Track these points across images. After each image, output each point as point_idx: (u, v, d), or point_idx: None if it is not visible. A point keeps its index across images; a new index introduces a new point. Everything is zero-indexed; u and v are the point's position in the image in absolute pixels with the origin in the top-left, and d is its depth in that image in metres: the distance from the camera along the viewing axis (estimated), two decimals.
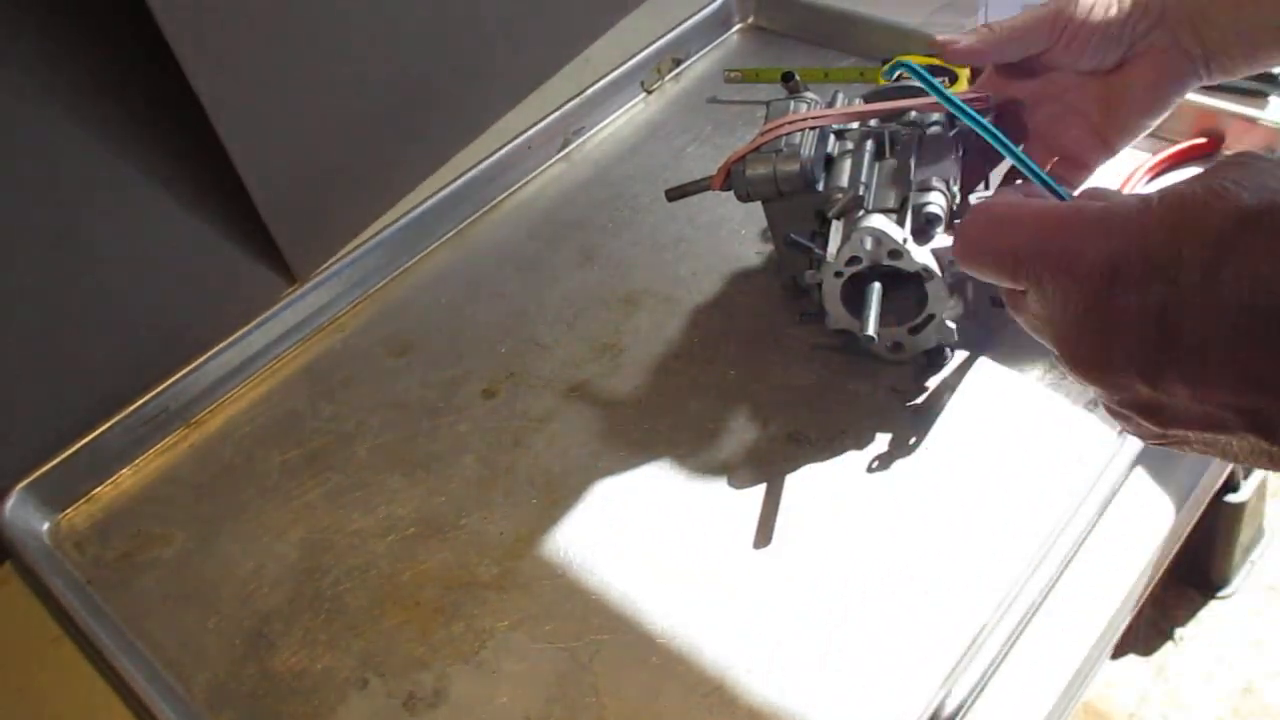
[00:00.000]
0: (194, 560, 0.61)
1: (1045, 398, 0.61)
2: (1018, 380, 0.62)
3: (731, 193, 0.63)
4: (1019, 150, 0.43)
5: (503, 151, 0.81)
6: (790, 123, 0.62)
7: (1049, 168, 0.62)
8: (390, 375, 0.70)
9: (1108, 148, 0.61)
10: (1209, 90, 0.75)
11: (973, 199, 0.61)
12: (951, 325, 0.59)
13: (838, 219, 0.60)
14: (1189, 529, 0.58)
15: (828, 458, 0.60)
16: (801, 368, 0.65)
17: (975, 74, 0.81)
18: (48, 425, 0.65)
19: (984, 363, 0.63)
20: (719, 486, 0.60)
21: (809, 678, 0.51)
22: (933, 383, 0.62)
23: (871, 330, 0.55)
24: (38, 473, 0.64)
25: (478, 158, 0.81)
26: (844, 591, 0.54)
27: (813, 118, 0.63)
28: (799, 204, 0.62)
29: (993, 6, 0.92)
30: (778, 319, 0.67)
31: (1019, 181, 0.50)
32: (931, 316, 0.59)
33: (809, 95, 0.66)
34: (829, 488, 0.59)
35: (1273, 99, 0.73)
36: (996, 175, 0.65)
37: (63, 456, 0.65)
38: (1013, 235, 0.35)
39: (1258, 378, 0.29)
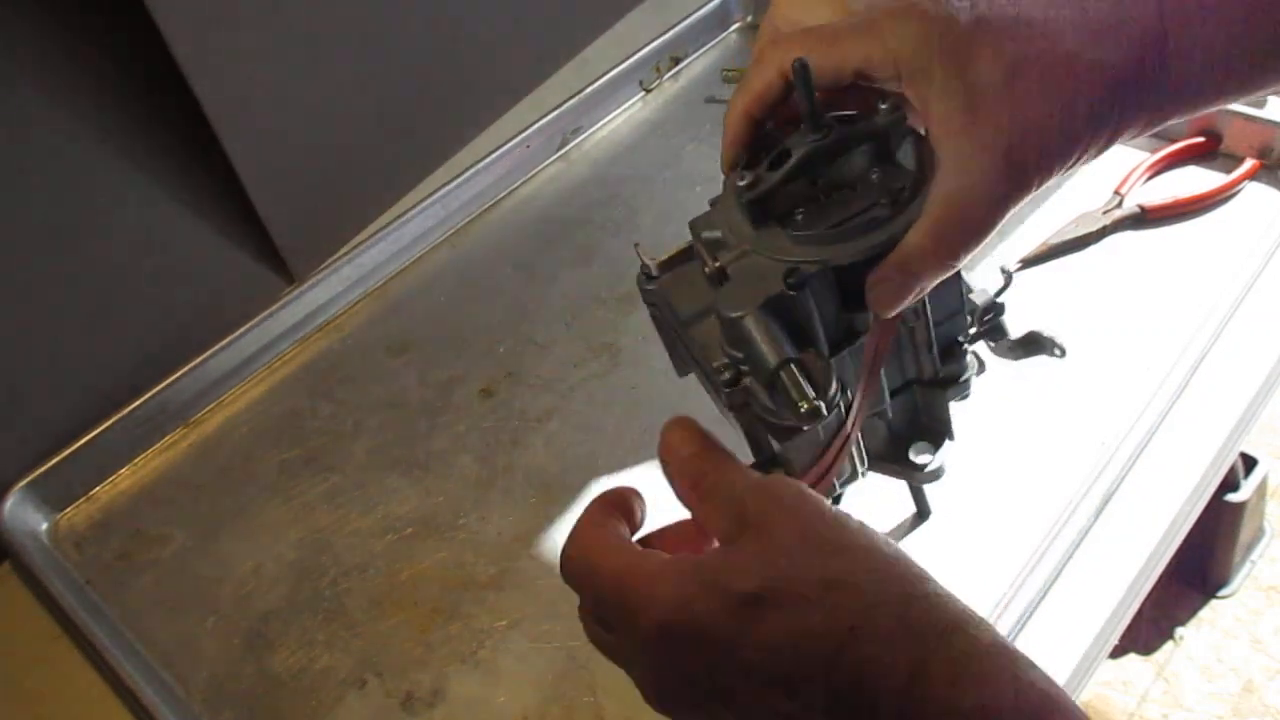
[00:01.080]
0: (192, 560, 0.61)
1: (1044, 396, 0.61)
2: (1017, 380, 0.62)
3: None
4: None
5: (501, 151, 0.81)
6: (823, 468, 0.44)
7: None
8: (388, 375, 0.70)
9: None
10: None
11: None
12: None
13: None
14: (1189, 528, 0.58)
15: None
16: None
17: None
18: (47, 425, 0.65)
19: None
20: None
21: None
22: None
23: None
24: (37, 472, 0.64)
25: (476, 157, 0.81)
26: None
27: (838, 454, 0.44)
28: None
29: None
30: None
31: None
32: None
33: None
34: None
35: (1271, 98, 0.73)
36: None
37: (62, 456, 0.65)
38: (593, 579, 0.37)
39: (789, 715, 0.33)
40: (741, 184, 0.39)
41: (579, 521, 0.39)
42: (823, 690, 0.32)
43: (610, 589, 0.36)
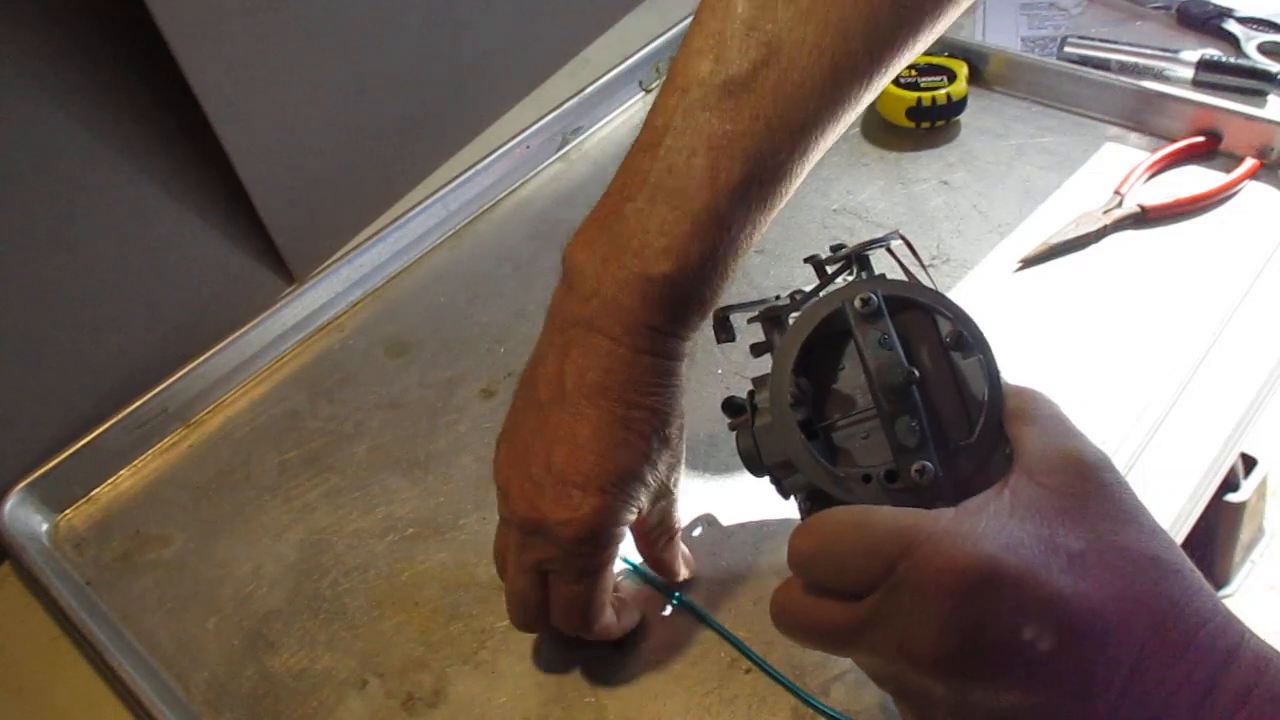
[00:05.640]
0: (193, 561, 0.61)
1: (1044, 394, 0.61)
2: (1016, 381, 0.62)
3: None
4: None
5: (501, 151, 0.81)
6: None
7: None
8: (389, 375, 0.70)
9: None
10: (1207, 88, 0.75)
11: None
12: None
13: None
14: (1189, 528, 0.58)
15: None
16: None
17: (973, 71, 0.81)
18: (47, 425, 0.65)
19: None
20: (718, 485, 0.60)
21: (810, 677, 0.51)
22: None
23: None
24: (37, 473, 0.64)
25: (476, 158, 0.81)
26: None
27: None
28: None
29: (991, 6, 0.92)
30: None
31: None
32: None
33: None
34: None
35: (1271, 97, 0.73)
36: None
37: (62, 457, 0.64)
38: (866, 529, 0.34)
39: None
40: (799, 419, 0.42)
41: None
42: (1131, 662, 0.31)
43: (892, 536, 0.33)
